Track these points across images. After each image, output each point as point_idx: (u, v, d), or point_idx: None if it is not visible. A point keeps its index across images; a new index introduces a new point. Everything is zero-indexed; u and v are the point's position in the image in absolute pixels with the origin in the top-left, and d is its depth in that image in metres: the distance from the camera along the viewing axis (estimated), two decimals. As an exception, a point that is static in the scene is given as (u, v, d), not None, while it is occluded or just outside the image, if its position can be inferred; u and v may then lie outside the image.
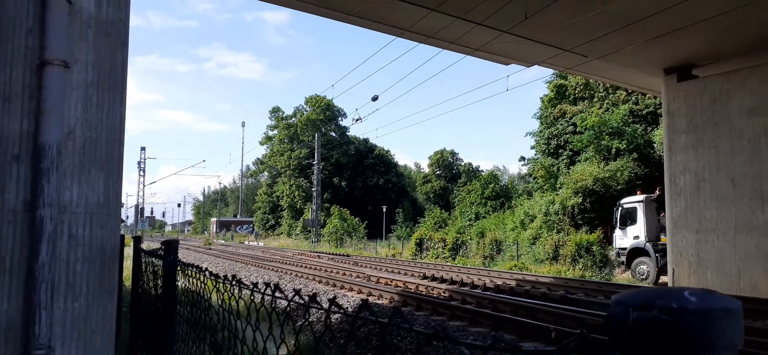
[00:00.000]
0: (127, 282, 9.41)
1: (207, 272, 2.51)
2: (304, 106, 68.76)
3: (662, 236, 18.93)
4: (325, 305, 1.39)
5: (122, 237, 7.68)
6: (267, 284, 1.70)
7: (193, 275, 2.76)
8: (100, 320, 2.96)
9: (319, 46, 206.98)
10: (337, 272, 20.75)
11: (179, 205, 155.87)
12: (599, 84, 34.03)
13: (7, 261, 2.56)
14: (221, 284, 2.13)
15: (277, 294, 1.52)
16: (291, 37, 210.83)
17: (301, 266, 23.85)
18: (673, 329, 0.46)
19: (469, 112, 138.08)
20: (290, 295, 1.53)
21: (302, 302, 1.38)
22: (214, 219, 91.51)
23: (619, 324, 0.49)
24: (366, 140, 66.27)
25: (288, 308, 1.42)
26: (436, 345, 8.80)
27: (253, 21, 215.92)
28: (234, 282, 1.96)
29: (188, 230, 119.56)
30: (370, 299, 14.33)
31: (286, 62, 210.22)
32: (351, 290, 16.11)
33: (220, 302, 2.25)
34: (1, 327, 2.61)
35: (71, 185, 2.61)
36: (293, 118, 69.10)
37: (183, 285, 3.26)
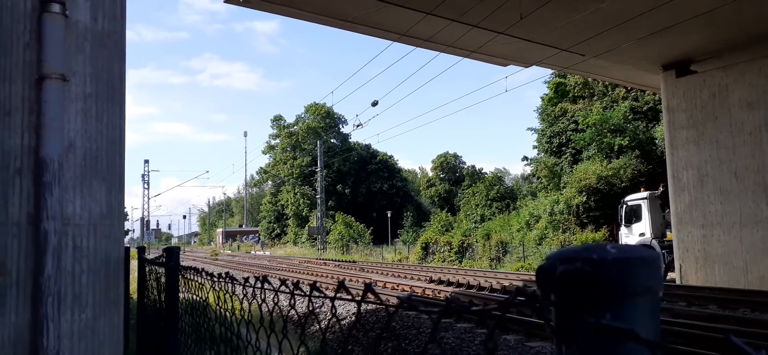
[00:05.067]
0: (135, 296, 9.48)
1: (203, 272, 2.57)
2: (305, 115, 68.98)
3: (668, 232, 18.89)
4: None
5: (127, 249, 7.73)
6: (257, 278, 1.75)
7: (192, 279, 2.82)
8: (108, 330, 2.99)
9: (312, 54, 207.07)
10: (344, 278, 20.71)
11: (184, 216, 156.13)
12: (598, 82, 34.06)
13: (14, 274, 2.61)
14: (217, 283, 2.19)
15: (266, 286, 1.57)
16: (283, 46, 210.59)
17: (308, 274, 23.89)
18: (594, 277, 0.52)
19: (470, 115, 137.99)
20: (284, 291, 1.57)
21: (287, 290, 1.43)
22: (219, 230, 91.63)
23: (548, 276, 0.56)
24: (368, 146, 66.35)
25: (276, 299, 1.47)
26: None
27: (244, 31, 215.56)
28: (227, 279, 2.01)
29: (194, 242, 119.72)
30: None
31: (281, 71, 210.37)
32: (358, 295, 16.12)
33: (216, 301, 2.29)
34: (10, 340, 2.65)
35: (74, 198, 2.66)
36: (295, 127, 69.30)
37: (186, 297, 3.32)
